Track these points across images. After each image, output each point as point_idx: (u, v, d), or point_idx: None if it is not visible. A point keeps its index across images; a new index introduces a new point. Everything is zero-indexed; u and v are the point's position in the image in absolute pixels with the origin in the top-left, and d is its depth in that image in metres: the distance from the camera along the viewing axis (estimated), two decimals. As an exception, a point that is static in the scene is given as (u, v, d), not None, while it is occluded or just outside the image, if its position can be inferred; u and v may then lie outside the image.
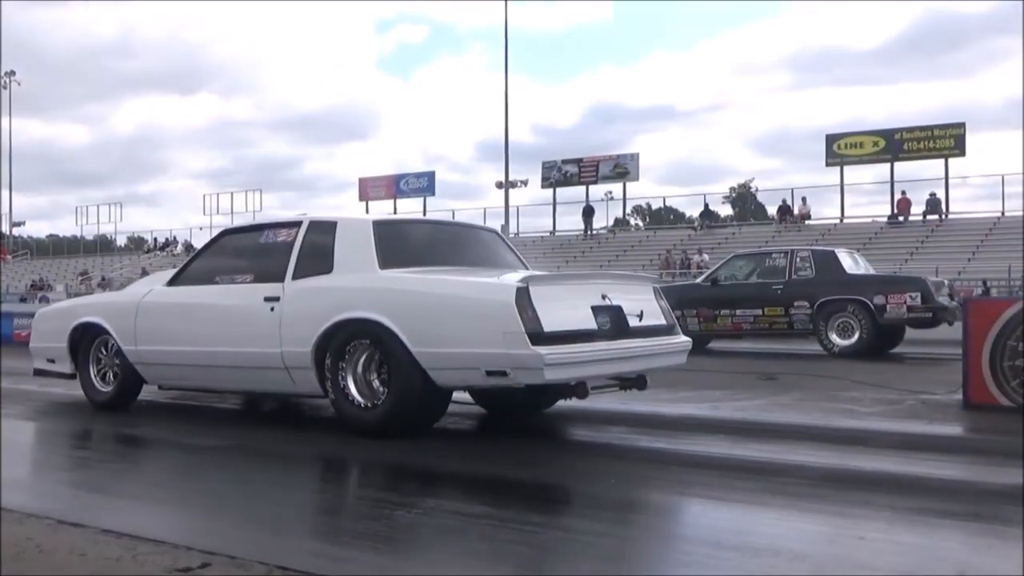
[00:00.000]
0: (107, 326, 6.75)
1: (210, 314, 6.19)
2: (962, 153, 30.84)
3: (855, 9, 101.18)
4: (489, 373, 4.92)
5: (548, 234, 37.91)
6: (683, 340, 5.98)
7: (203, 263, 6.59)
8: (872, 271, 13.43)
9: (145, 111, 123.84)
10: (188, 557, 3.03)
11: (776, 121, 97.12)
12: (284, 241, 6.04)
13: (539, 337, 4.82)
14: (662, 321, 5.86)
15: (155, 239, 48.93)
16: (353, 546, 3.31)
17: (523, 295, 4.90)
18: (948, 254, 25.62)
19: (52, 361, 7.29)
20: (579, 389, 5.08)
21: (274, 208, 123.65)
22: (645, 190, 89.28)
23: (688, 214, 41.03)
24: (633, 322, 5.51)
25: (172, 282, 6.63)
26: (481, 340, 4.91)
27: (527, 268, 6.45)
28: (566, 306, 5.18)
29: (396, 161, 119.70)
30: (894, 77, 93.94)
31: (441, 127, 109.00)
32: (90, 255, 49.59)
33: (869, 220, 31.80)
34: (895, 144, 31.61)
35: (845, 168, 32.49)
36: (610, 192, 38.56)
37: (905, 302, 11.63)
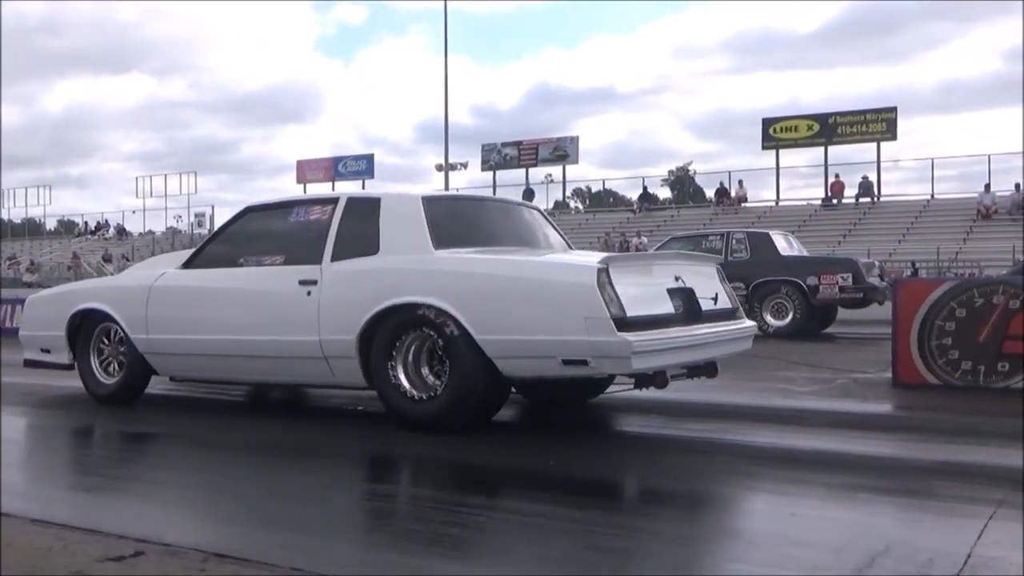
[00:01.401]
0: (113, 313, 6.19)
1: (236, 299, 5.68)
2: (894, 137, 31.47)
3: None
4: (566, 362, 4.54)
5: (488, 217, 37.79)
6: (749, 325, 5.65)
7: (223, 243, 6.04)
8: (806, 253, 13.68)
9: (75, 91, 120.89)
10: (120, 546, 2.97)
11: (715, 104, 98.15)
12: (318, 219, 5.55)
13: (622, 323, 4.45)
14: (728, 304, 5.52)
15: (85, 223, 47.83)
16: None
17: (604, 277, 4.53)
18: (880, 236, 26.17)
19: (47, 351, 6.71)
20: (658, 378, 4.73)
21: (210, 191, 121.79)
22: (585, 173, 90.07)
23: (627, 197, 41.21)
24: (706, 305, 5.19)
25: (188, 264, 6.10)
26: (558, 326, 4.53)
27: (572, 248, 6.18)
28: (644, 289, 4.84)
29: (335, 143, 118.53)
30: (830, 61, 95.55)
31: (381, 109, 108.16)
32: (18, 239, 48.32)
33: (804, 203, 32.34)
34: (829, 128, 32.13)
35: (781, 151, 32.97)
36: (550, 175, 38.76)
37: (837, 283, 11.91)
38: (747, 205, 32.56)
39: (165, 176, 44.96)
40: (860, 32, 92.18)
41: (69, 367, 6.57)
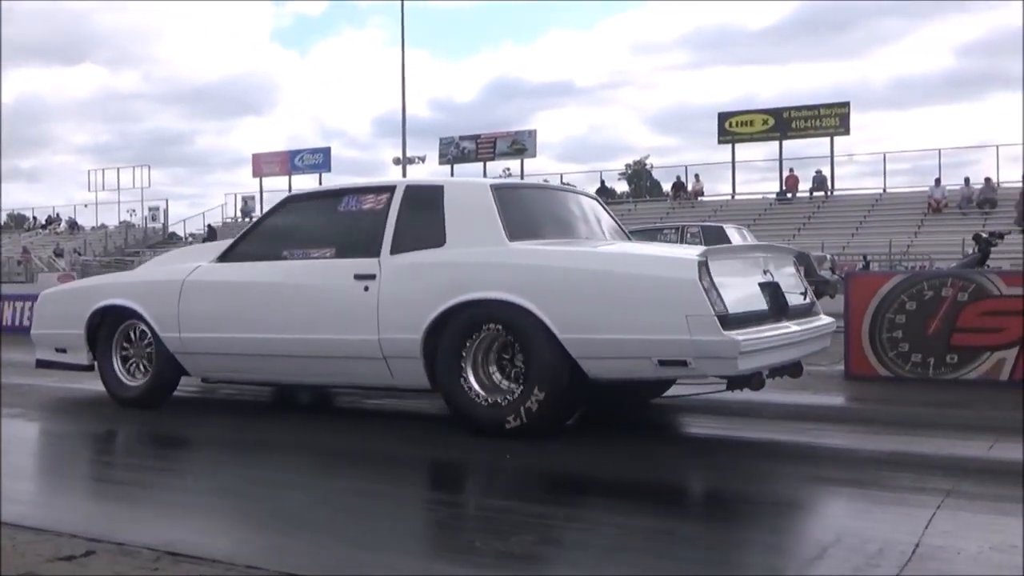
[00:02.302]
0: (140, 310, 5.76)
1: (283, 295, 5.28)
2: (847, 132, 31.83)
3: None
4: (663, 363, 4.24)
5: (446, 211, 37.70)
6: (829, 321, 5.38)
7: (263, 235, 5.62)
8: (761, 247, 13.79)
9: (25, 82, 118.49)
10: (71, 545, 2.93)
11: (672, 99, 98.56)
12: (373, 209, 5.18)
13: (725, 321, 4.17)
14: (806, 299, 5.27)
15: (35, 217, 46.96)
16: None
17: (704, 270, 4.24)
18: (833, 230, 26.50)
19: (62, 351, 6.26)
20: (755, 380, 4.41)
21: (165, 185, 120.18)
22: (543, 166, 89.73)
23: (585, 191, 41.34)
24: (793, 300, 4.95)
25: (224, 257, 5.66)
26: (655, 325, 4.22)
27: (632, 239, 5.90)
28: (738, 283, 4.57)
29: (292, 137, 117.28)
30: (785, 57, 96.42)
31: (339, 102, 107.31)
32: (-34, 233, 47.35)
33: (759, 196, 32.62)
34: (783, 122, 32.43)
35: (736, 146, 33.21)
36: (508, 169, 38.61)
37: (792, 276, 12.02)
38: (704, 199, 32.79)
39: (118, 169, 44.23)
40: (814, 28, 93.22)
41: (88, 368, 6.16)
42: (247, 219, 40.11)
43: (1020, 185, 27.05)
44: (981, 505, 3.41)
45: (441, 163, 38.44)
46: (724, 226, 13.56)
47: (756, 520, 3.32)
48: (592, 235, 5.42)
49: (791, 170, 31.85)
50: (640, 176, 57.66)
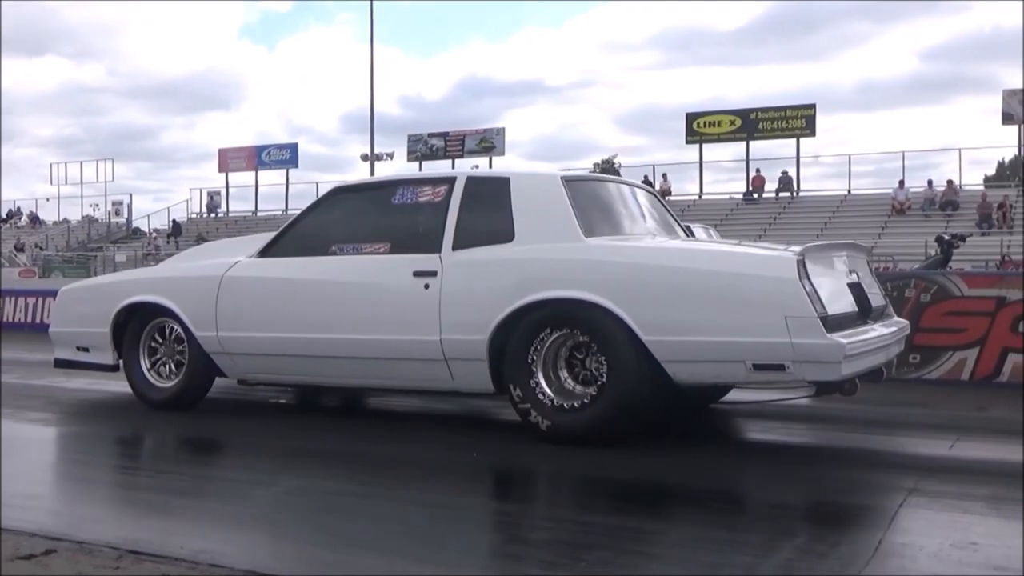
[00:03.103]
0: (173, 307, 5.44)
1: (334, 292, 5.00)
2: (812, 133, 32.06)
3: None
4: (758, 367, 4.01)
5: (414, 208, 37.66)
6: (905, 324, 5.07)
7: (308, 229, 5.29)
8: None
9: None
10: (31, 544, 2.89)
11: (642, 99, 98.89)
12: (431, 202, 4.89)
13: (825, 323, 3.96)
14: (882, 300, 4.99)
15: (-3, 210, 46.27)
16: None
17: (802, 269, 4.01)
18: (799, 230, 26.70)
19: (85, 350, 5.94)
20: (849, 385, 4.15)
21: (129, 179, 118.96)
22: (512, 164, 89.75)
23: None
24: (875, 302, 4.71)
25: (266, 252, 5.33)
26: (750, 326, 4.00)
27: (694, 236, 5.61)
28: (830, 283, 4.34)
29: (259, 132, 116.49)
30: (753, 58, 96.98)
31: (306, 99, 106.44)
32: (-76, 226, 46.55)
33: (726, 196, 32.83)
34: (750, 123, 32.64)
35: (704, 146, 33.40)
36: (476, 166, 38.47)
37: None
38: (672, 198, 32.92)
39: (81, 163, 43.67)
40: (782, 30, 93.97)
41: (113, 368, 5.84)
42: (212, 214, 39.85)
43: (981, 187, 27.48)
44: (943, 503, 3.45)
45: (409, 160, 38.34)
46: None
47: (740, 517, 3.34)
48: (657, 230, 5.18)
49: (757, 170, 32.08)
50: (609, 175, 57.79)
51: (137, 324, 5.67)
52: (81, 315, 6.04)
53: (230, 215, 39.63)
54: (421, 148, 38.11)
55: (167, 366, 5.63)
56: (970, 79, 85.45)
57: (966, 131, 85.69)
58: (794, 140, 31.97)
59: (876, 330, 4.47)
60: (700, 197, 32.90)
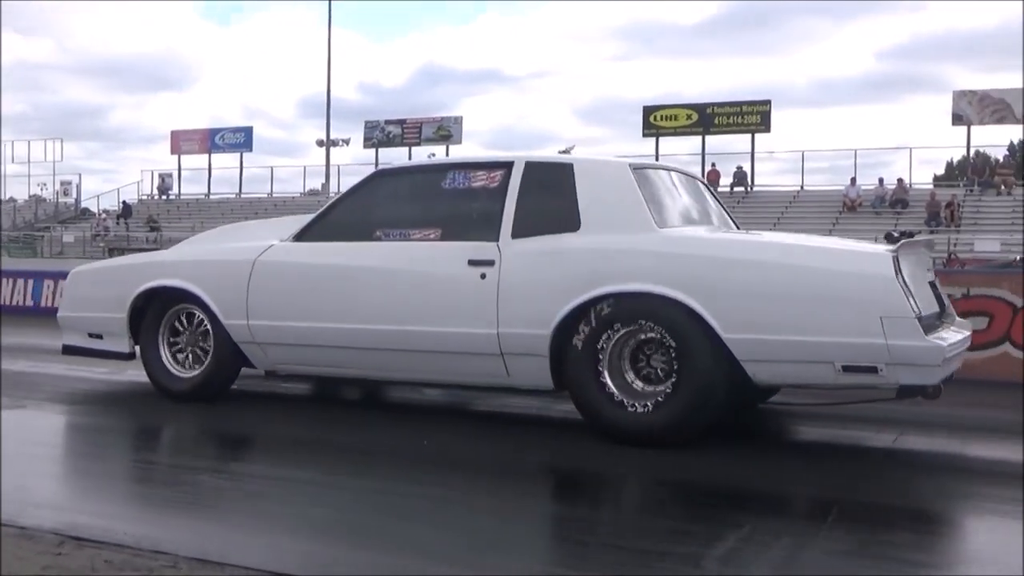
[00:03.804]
0: (199, 293, 5.13)
1: (380, 281, 4.72)
2: (767, 129, 32.43)
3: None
4: (847, 369, 3.83)
5: (370, 195, 37.48)
6: (967, 323, 4.78)
7: (348, 213, 5.03)
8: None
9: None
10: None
11: (601, 90, 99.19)
12: (485, 187, 4.65)
13: (921, 324, 3.79)
14: (946, 302, 4.72)
15: (-59, 188, 45.19)
16: None
17: (897, 266, 3.83)
18: (753, 224, 26.75)
19: (97, 336, 5.59)
20: (934, 390, 3.88)
21: (78, 159, 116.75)
22: (469, 153, 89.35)
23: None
24: (948, 303, 4.52)
25: (302, 236, 5.07)
26: (841, 326, 3.82)
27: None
28: (918, 282, 4.11)
29: (213, 115, 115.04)
30: (711, 52, 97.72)
31: (263, 82, 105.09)
32: None
33: (682, 190, 33.04)
34: (707, 118, 32.90)
35: (661, 139, 33.62)
36: (433, 154, 38.39)
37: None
38: (627, 191, 33.06)
39: (29, 142, 42.72)
40: (740, 26, 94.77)
41: (129, 356, 5.52)
42: (164, 196, 39.30)
43: (931, 186, 27.99)
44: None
45: (366, 146, 38.17)
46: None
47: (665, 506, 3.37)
48: (715, 222, 5.04)
49: (713, 165, 32.35)
50: (565, 166, 57.92)
51: (157, 310, 5.38)
52: (95, 299, 5.67)
53: (182, 197, 39.14)
54: (377, 135, 37.92)
55: (189, 355, 5.34)
56: (923, 79, 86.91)
57: (917, 131, 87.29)
58: (749, 135, 32.27)
59: (959, 332, 4.27)
60: (656, 190, 33.04)
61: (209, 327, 5.20)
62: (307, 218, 5.21)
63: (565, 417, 4.78)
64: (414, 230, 4.77)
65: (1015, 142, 31.95)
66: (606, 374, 4.18)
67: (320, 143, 36.23)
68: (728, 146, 33.91)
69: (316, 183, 38.20)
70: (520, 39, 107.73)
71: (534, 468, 4.11)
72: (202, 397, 5.22)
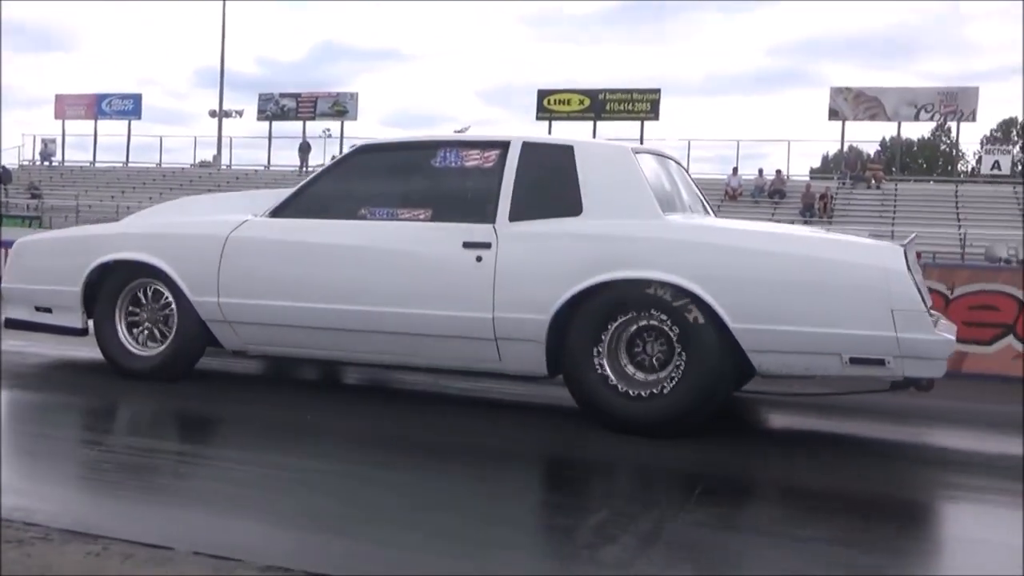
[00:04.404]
0: (165, 268, 4.87)
1: (367, 260, 4.53)
2: (656, 117, 33.23)
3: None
4: (855, 361, 3.83)
5: (263, 168, 36.94)
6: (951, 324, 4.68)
7: (330, 189, 4.83)
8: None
9: None
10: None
11: (499, 72, 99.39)
12: (479, 167, 4.51)
13: (931, 317, 3.81)
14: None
15: None
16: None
17: (907, 260, 3.84)
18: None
19: (46, 310, 5.26)
20: (928, 382, 3.95)
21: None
22: (366, 130, 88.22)
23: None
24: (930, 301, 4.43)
25: (279, 212, 4.84)
26: (851, 318, 3.81)
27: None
28: (919, 277, 4.10)
29: (102, 81, 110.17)
30: (606, 39, 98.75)
31: (157, 50, 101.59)
32: None
33: (573, 174, 33.57)
34: (599, 104, 33.50)
35: (553, 123, 34.05)
36: (328, 129, 38.13)
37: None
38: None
39: (-102, 100, 40.68)
40: (635, 15, 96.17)
41: (81, 332, 5.22)
42: (46, 162, 37.93)
43: (807, 178, 29.25)
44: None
45: (259, 119, 37.65)
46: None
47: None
48: (699, 210, 5.00)
49: (604, 150, 32.94)
50: (459, 144, 57.89)
51: (114, 284, 5.09)
52: (44, 271, 5.34)
53: (66, 164, 37.83)
54: (272, 108, 37.43)
55: (149, 332, 5.09)
56: (805, 75, 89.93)
57: (797, 124, 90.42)
58: (639, 123, 33.02)
59: (951, 328, 4.27)
60: (548, 173, 33.50)
61: (173, 304, 4.97)
62: (282, 193, 5.04)
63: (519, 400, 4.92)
64: (402, 209, 4.62)
65: (887, 139, 33.53)
66: (605, 361, 4.12)
67: (213, 114, 35.67)
68: (618, 132, 34.65)
69: (207, 154, 37.52)
70: (421, 19, 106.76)
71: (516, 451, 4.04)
72: (168, 375, 4.97)
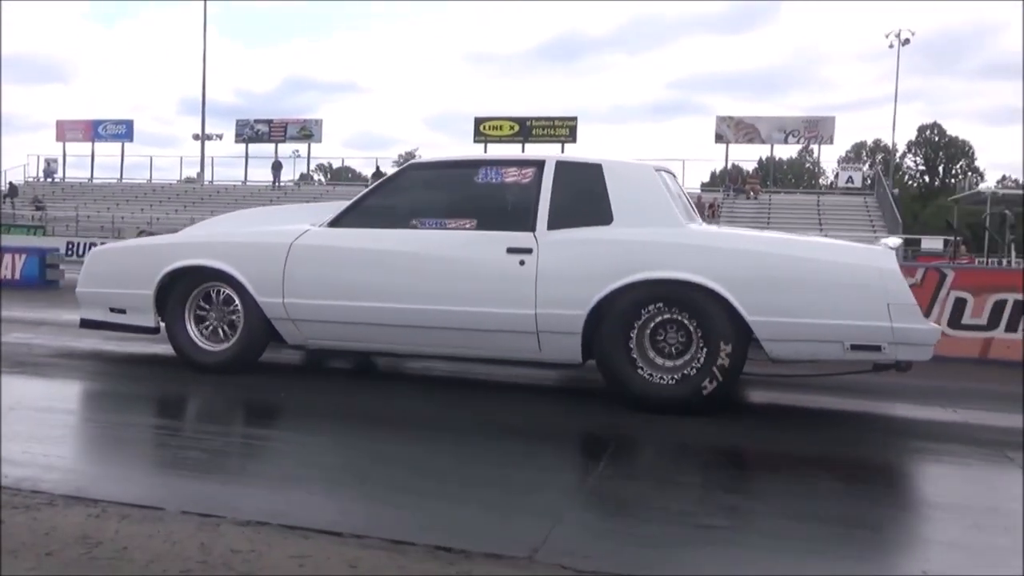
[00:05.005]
0: (234, 272, 4.78)
1: (421, 264, 4.44)
2: (574, 140, 33.65)
3: (513, 12, 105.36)
4: (855, 347, 3.88)
5: (240, 183, 36.38)
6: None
7: (383, 202, 4.74)
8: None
9: None
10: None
11: (442, 102, 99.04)
12: (518, 183, 4.48)
13: (921, 309, 3.88)
14: None
15: None
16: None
17: (898, 261, 3.94)
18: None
19: (120, 311, 5.13)
20: (906, 363, 3.99)
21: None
22: (328, 151, 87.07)
23: (363, 174, 41.10)
24: None
25: (337, 223, 4.73)
26: (853, 311, 3.86)
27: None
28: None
29: (98, 107, 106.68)
30: (533, 75, 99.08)
31: (147, 81, 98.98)
32: None
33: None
34: (526, 129, 33.87)
35: (489, 145, 34.18)
36: (297, 151, 37.78)
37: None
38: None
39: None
40: (556, 55, 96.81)
41: (155, 330, 5.07)
42: (49, 179, 36.84)
43: (698, 191, 29.80)
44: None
45: (237, 141, 37.40)
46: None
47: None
48: (693, 217, 4.89)
49: (531, 168, 33.08)
50: (408, 163, 57.51)
51: (184, 287, 4.98)
52: (120, 276, 5.20)
53: (66, 181, 36.79)
54: (247, 132, 37.07)
55: (215, 330, 4.96)
56: (695, 106, 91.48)
57: (689, 146, 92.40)
58: (560, 145, 33.30)
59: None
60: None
61: (239, 304, 4.88)
62: (339, 205, 4.94)
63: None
64: (449, 219, 4.55)
65: (763, 158, 34.38)
66: (635, 350, 4.12)
67: (196, 137, 35.15)
68: (543, 153, 34.76)
69: (192, 172, 36.80)
70: (376, 56, 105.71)
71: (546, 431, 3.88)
72: (236, 368, 4.88)
